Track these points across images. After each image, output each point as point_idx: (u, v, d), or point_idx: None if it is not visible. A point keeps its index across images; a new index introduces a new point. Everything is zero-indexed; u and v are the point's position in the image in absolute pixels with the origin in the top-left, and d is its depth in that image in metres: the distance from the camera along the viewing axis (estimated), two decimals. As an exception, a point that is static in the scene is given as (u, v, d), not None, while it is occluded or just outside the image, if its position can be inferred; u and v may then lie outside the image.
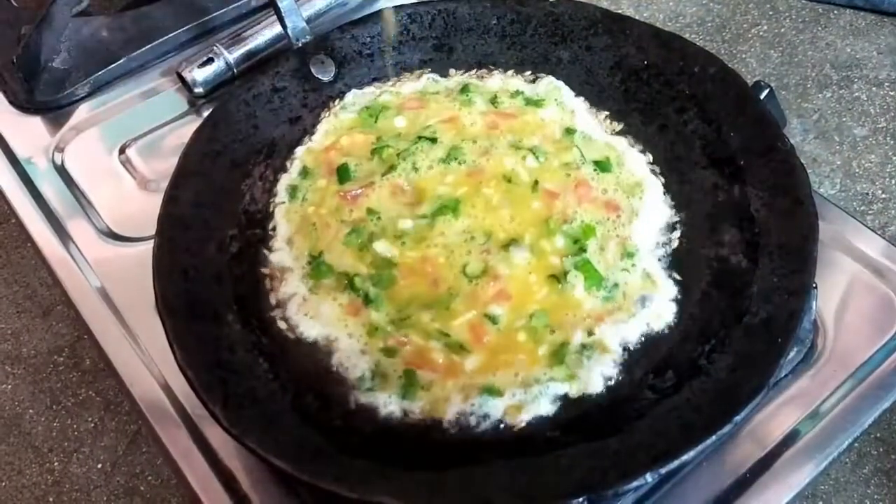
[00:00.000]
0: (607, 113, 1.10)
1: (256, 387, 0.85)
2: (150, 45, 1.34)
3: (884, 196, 2.25)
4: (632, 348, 0.89)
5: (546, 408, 0.84)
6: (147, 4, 1.40)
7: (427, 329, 0.90)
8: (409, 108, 1.12)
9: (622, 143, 1.06)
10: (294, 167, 1.08)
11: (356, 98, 1.15)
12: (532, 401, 0.84)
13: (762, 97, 1.04)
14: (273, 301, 0.96)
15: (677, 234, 0.98)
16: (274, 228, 1.02)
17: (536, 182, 1.01)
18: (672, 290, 0.93)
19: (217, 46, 1.26)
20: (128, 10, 1.40)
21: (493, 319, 0.90)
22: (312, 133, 1.12)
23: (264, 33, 1.29)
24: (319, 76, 1.15)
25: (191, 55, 1.28)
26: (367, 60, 1.18)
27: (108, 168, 1.21)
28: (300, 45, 1.15)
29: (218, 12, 1.38)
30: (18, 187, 1.19)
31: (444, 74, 1.17)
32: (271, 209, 1.04)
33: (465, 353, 0.88)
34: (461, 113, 1.10)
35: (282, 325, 0.93)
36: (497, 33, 1.18)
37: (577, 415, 0.84)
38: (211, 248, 0.97)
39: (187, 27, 1.36)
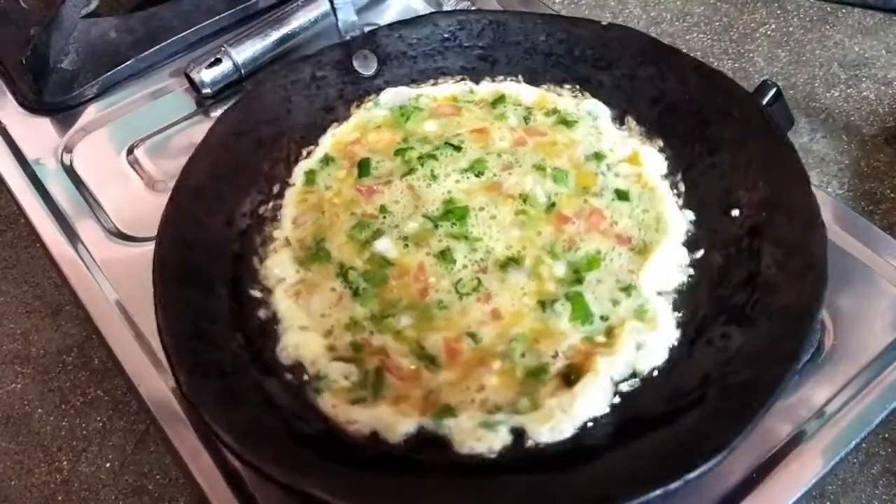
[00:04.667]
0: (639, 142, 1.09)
1: (226, 361, 0.86)
2: (158, 46, 1.34)
3: (892, 195, 2.24)
4: (617, 385, 0.87)
5: (502, 437, 0.82)
6: (155, 6, 1.40)
7: (404, 335, 0.90)
8: (442, 115, 1.12)
9: (654, 176, 1.04)
10: (316, 154, 1.09)
11: (391, 97, 1.15)
12: (488, 428, 0.82)
13: (770, 96, 1.03)
14: (262, 280, 0.97)
15: (686, 277, 0.96)
16: (282, 208, 1.04)
17: (553, 205, 1.00)
18: (672, 335, 0.91)
19: (225, 47, 1.27)
20: (136, 11, 1.41)
21: (473, 338, 0.89)
22: (341, 125, 1.13)
23: (272, 34, 1.29)
24: (360, 70, 1.16)
25: (199, 56, 1.29)
26: (410, 61, 1.18)
27: (116, 168, 1.21)
28: (348, 38, 1.16)
29: (226, 13, 1.38)
30: (27, 188, 1.19)
31: (479, 82, 1.17)
32: (285, 191, 1.06)
33: (434, 367, 0.87)
34: (492, 126, 1.10)
35: (264, 307, 0.95)
36: (543, 50, 1.17)
37: (528, 443, 0.83)
38: (218, 221, 0.99)
39: (195, 28, 1.37)
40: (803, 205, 0.90)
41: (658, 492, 0.70)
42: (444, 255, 0.96)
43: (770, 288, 0.88)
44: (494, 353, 0.88)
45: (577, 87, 1.15)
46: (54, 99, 1.30)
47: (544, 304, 0.92)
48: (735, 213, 0.97)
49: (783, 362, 0.78)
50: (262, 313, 0.95)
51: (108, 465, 1.94)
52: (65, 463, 1.96)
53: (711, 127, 1.03)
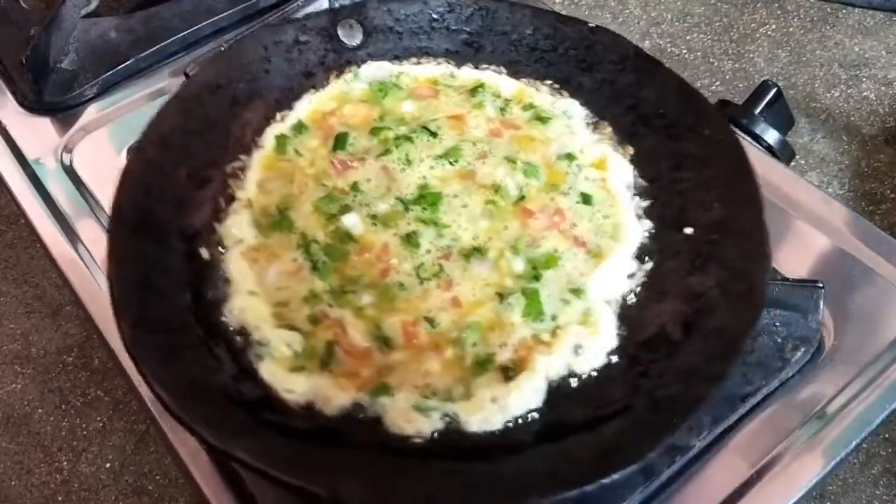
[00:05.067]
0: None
1: (172, 316, 0.86)
2: (158, 46, 1.34)
3: (892, 196, 2.24)
4: (551, 384, 0.87)
5: (433, 422, 0.82)
6: (155, 5, 1.41)
7: (364, 313, 0.90)
8: (421, 96, 1.12)
9: (617, 184, 1.04)
10: (289, 119, 1.09)
11: (372, 71, 1.15)
12: (421, 411, 0.82)
13: (768, 98, 1.03)
14: (219, 239, 0.97)
15: (634, 288, 0.95)
16: (246, 170, 1.03)
17: (523, 198, 1.01)
18: (611, 342, 0.90)
19: (224, 47, 1.27)
20: (136, 11, 1.41)
21: (431, 322, 0.89)
22: (318, 92, 1.13)
23: (272, 34, 1.29)
24: (345, 40, 1.16)
25: (199, 56, 1.29)
26: (396, 37, 1.18)
27: (116, 168, 1.19)
28: (337, 5, 1.16)
29: (226, 13, 1.38)
30: (27, 188, 1.19)
31: (461, 66, 1.17)
32: (253, 152, 1.05)
33: (387, 349, 0.87)
34: (469, 115, 1.10)
35: (218, 267, 0.94)
36: (529, 44, 1.17)
37: (456, 431, 0.83)
38: (182, 174, 0.98)
39: (195, 28, 1.37)
40: (754, 233, 0.90)
41: (573, 492, 0.71)
42: (410, 239, 0.96)
43: (709, 308, 0.88)
44: (449, 339, 0.88)
45: (557, 85, 1.15)
46: (54, 99, 1.30)
47: (502, 296, 0.92)
48: (689, 230, 0.97)
49: (710, 382, 0.78)
50: (214, 273, 0.94)
51: (108, 465, 1.94)
52: (65, 463, 1.96)
53: (680, 143, 1.03)
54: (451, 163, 1.03)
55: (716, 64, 2.63)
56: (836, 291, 1.01)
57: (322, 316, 0.90)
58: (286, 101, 1.11)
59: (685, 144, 1.03)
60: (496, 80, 1.16)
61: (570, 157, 1.06)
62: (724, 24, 2.74)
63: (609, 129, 1.10)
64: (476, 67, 1.18)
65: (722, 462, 0.90)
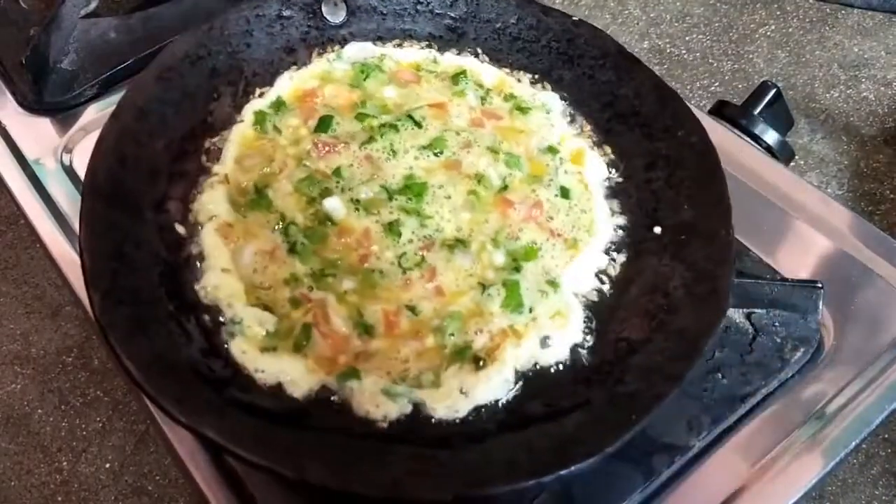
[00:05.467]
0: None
1: (143, 288, 0.85)
2: (157, 47, 1.34)
3: (892, 196, 2.24)
4: (517, 375, 0.88)
5: (401, 407, 0.83)
6: (155, 6, 1.41)
7: (346, 299, 0.90)
8: (402, 81, 1.12)
9: (593, 179, 1.05)
10: (269, 96, 1.09)
11: (356, 51, 1.15)
12: (389, 396, 0.83)
13: (768, 99, 1.03)
14: (194, 214, 0.96)
15: (601, 283, 0.96)
16: (223, 145, 1.03)
17: (505, 187, 1.01)
18: (577, 336, 0.91)
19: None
20: (136, 11, 1.41)
21: (413, 310, 0.89)
22: (300, 69, 1.13)
23: (271, 34, 1.29)
24: (328, 17, 1.16)
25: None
26: (379, 17, 1.18)
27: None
28: None
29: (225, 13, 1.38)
30: (27, 188, 1.19)
31: (444, 52, 1.17)
32: (232, 126, 1.05)
33: (367, 336, 0.87)
34: (451, 102, 1.10)
35: (192, 241, 0.94)
36: (512, 33, 1.17)
37: (422, 417, 0.84)
38: (158, 145, 0.98)
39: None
40: (721, 236, 0.90)
41: (530, 483, 0.72)
42: (392, 227, 0.95)
43: (673, 308, 0.89)
44: (430, 327, 0.89)
45: (538, 76, 1.15)
46: (54, 99, 1.30)
47: (484, 286, 0.92)
48: (658, 230, 0.98)
49: (669, 382, 0.79)
50: (188, 248, 0.94)
51: (107, 465, 1.95)
52: (64, 463, 1.96)
53: (654, 142, 1.04)
54: (435, 154, 1.03)
55: (715, 64, 2.64)
56: (836, 292, 1.01)
57: (303, 299, 0.89)
58: (266, 75, 1.11)
59: (659, 144, 1.03)
60: (478, 67, 1.16)
61: (552, 149, 1.07)
62: (724, 25, 2.74)
63: (586, 125, 1.10)
64: (458, 54, 1.18)
65: (721, 462, 0.90)
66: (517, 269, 0.94)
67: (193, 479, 0.91)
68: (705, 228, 0.93)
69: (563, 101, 1.13)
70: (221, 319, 0.88)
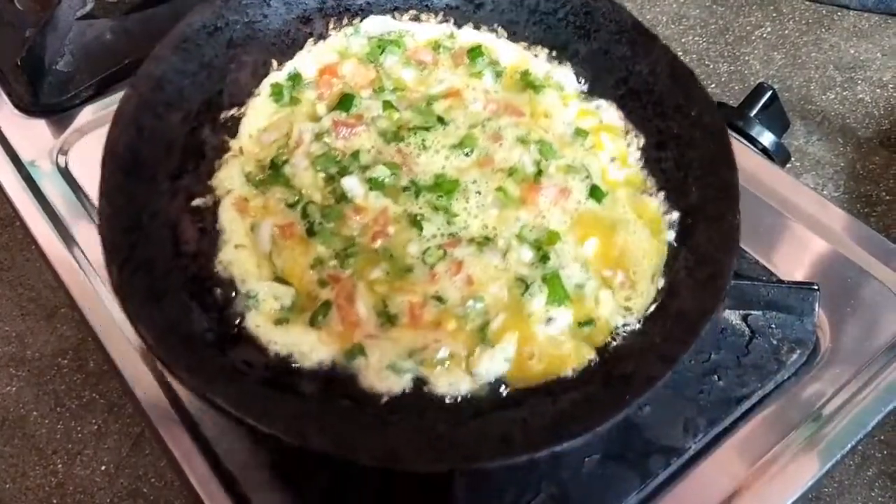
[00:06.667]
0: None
1: (158, 259, 0.87)
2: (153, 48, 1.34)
3: (888, 198, 2.25)
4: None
5: (404, 382, 0.85)
6: (150, 7, 1.40)
7: (374, 289, 0.90)
8: (420, 62, 1.12)
9: (607, 160, 1.04)
10: (286, 68, 1.09)
11: (374, 25, 1.15)
12: (394, 371, 0.85)
13: (764, 101, 1.03)
14: (211, 188, 0.97)
15: None
16: (240, 118, 1.03)
17: (540, 172, 1.00)
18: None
19: None
20: (132, 13, 1.41)
21: (440, 300, 0.90)
22: (318, 41, 1.12)
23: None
24: None
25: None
26: None
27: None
28: None
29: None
30: (23, 190, 1.19)
31: (461, 26, 1.16)
32: (249, 99, 1.05)
33: (389, 325, 0.88)
34: (466, 88, 1.09)
35: (209, 215, 0.95)
36: (530, 5, 1.16)
37: (424, 393, 0.85)
38: (176, 116, 0.98)
39: (191, 30, 1.36)
40: (727, 221, 0.90)
41: (523, 457, 0.73)
42: (415, 221, 0.95)
43: (674, 291, 0.89)
44: (453, 314, 0.89)
45: (553, 51, 1.14)
46: (50, 101, 1.29)
47: (527, 285, 0.91)
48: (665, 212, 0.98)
49: (664, 364, 0.79)
50: (206, 222, 0.94)
51: (103, 468, 1.94)
52: (60, 466, 1.95)
53: (666, 121, 1.03)
54: (466, 154, 1.02)
55: (711, 66, 2.64)
56: (832, 294, 1.01)
57: (330, 280, 0.90)
58: (284, 48, 1.11)
59: (671, 123, 1.03)
60: (495, 43, 1.15)
61: (580, 132, 1.06)
62: (720, 27, 2.75)
63: (601, 103, 1.10)
64: (476, 29, 1.16)
65: (718, 464, 0.90)
66: (544, 259, 0.93)
67: (189, 481, 0.90)
68: (712, 212, 0.92)
69: (578, 77, 1.12)
70: (236, 292, 0.89)
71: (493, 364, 0.86)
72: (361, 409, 0.82)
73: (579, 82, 1.11)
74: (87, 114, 1.29)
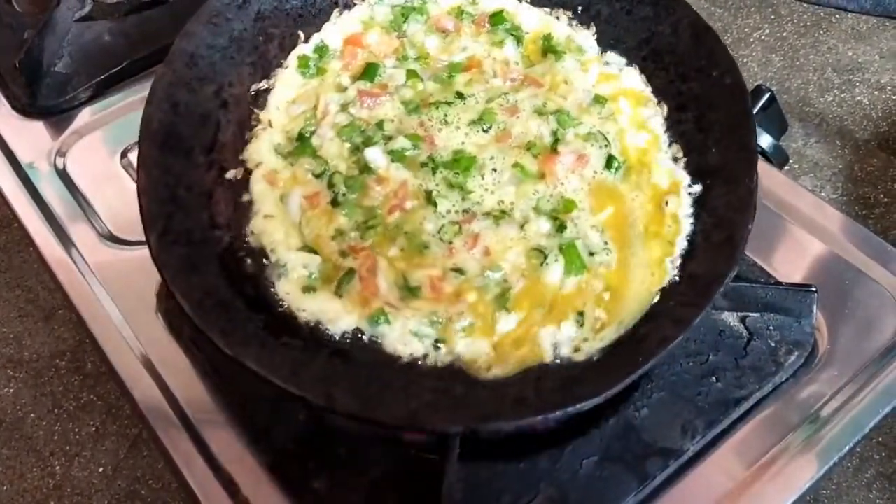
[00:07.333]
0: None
1: (195, 229, 0.90)
2: (152, 50, 1.34)
3: (886, 200, 2.25)
4: None
5: (426, 346, 0.87)
6: (149, 9, 1.40)
7: (394, 265, 0.91)
8: (442, 29, 1.13)
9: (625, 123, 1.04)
10: (313, 40, 1.11)
11: None
12: (416, 336, 0.87)
13: (762, 103, 1.03)
14: (242, 160, 1.00)
15: None
16: (270, 91, 1.06)
17: (557, 141, 1.01)
18: None
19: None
20: (130, 14, 1.41)
21: (459, 272, 0.91)
22: (343, 11, 1.14)
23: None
24: None
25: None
26: None
27: (109, 172, 1.21)
28: None
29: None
30: (20, 191, 1.19)
31: None
32: (276, 73, 1.08)
33: (412, 297, 0.90)
34: (487, 58, 1.10)
35: (241, 186, 0.98)
36: None
37: (443, 353, 0.87)
38: (208, 90, 1.01)
39: (189, 31, 1.36)
40: (744, 183, 0.90)
41: (537, 418, 0.76)
42: (429, 198, 0.96)
43: (691, 254, 0.90)
44: (473, 286, 0.90)
45: (576, 14, 1.14)
46: (48, 102, 1.29)
47: (545, 255, 0.92)
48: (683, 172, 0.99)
49: (676, 326, 0.80)
50: (237, 193, 0.97)
51: (100, 469, 1.94)
52: (57, 468, 1.95)
53: (687, 82, 1.04)
54: (485, 130, 1.02)
55: (709, 68, 2.64)
56: (830, 295, 1.01)
57: (350, 251, 0.92)
58: (310, 18, 1.12)
59: (692, 85, 1.03)
60: (517, 8, 1.15)
61: (599, 99, 1.05)
62: (718, 29, 2.74)
63: (622, 66, 1.09)
64: None
65: (715, 466, 0.90)
66: (561, 229, 0.94)
67: (187, 483, 0.90)
68: (730, 175, 0.93)
69: (600, 39, 1.12)
70: (266, 261, 0.92)
71: (509, 327, 0.88)
72: (384, 372, 0.85)
73: (600, 45, 1.11)
74: (85, 115, 1.29)
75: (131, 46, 1.35)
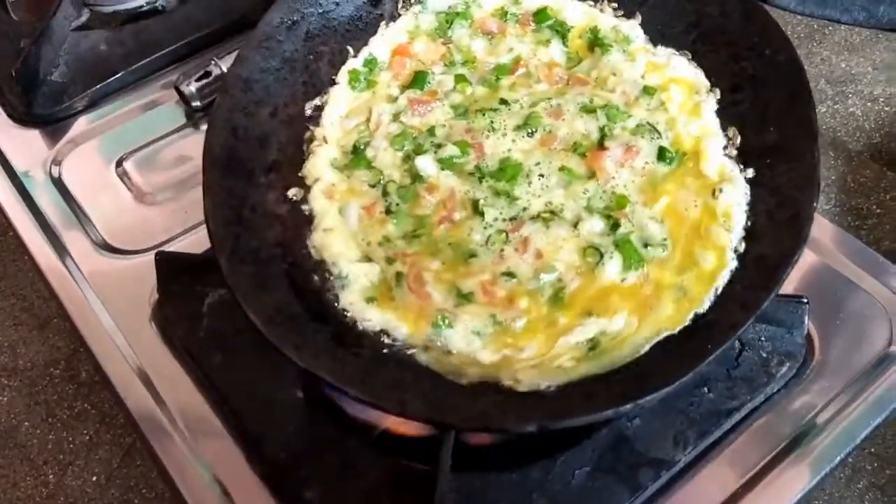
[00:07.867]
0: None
1: (262, 249, 0.93)
2: (148, 59, 1.35)
3: (878, 211, 2.25)
4: None
5: (468, 338, 0.88)
6: (145, 19, 1.41)
7: (441, 278, 0.92)
8: (487, 31, 1.14)
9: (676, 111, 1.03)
10: (362, 54, 1.12)
11: (439, 1, 1.16)
12: (478, 335, 0.88)
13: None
14: (302, 177, 1.02)
15: None
16: (324, 107, 1.07)
17: (604, 136, 1.00)
18: None
19: (215, 60, 1.27)
20: (126, 24, 1.41)
21: (511, 275, 0.91)
22: (389, 22, 1.15)
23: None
24: None
25: (188, 69, 1.29)
26: None
27: (105, 181, 1.21)
28: None
29: (215, 26, 1.39)
30: (16, 200, 1.19)
31: None
32: (330, 89, 1.09)
33: (466, 302, 0.90)
34: (531, 59, 1.11)
35: (302, 203, 0.99)
36: None
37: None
38: (265, 113, 1.03)
39: (185, 41, 1.37)
40: (806, 160, 0.90)
41: (610, 412, 0.75)
42: (476, 207, 0.97)
43: (753, 234, 0.89)
44: (525, 290, 0.90)
45: (620, 3, 1.14)
46: (44, 111, 1.30)
47: (601, 253, 0.91)
48: (741, 155, 0.97)
49: (745, 311, 0.79)
50: (299, 210, 0.99)
51: (94, 478, 1.93)
52: (51, 476, 1.94)
53: (740, 62, 1.02)
54: (530, 134, 1.03)
55: (704, 79, 2.65)
56: (822, 306, 1.01)
57: (396, 257, 0.94)
58: (358, 33, 1.14)
59: (745, 64, 1.02)
60: (561, 4, 1.15)
61: (648, 90, 1.05)
62: (712, 41, 2.76)
63: (671, 54, 1.08)
64: None
65: (708, 477, 0.90)
66: (615, 227, 0.93)
67: (180, 492, 0.90)
68: (791, 151, 0.92)
69: (646, 27, 1.11)
70: (329, 274, 0.93)
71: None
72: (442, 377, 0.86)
73: (647, 33, 1.11)
74: (81, 124, 1.30)
75: (127, 56, 1.35)
